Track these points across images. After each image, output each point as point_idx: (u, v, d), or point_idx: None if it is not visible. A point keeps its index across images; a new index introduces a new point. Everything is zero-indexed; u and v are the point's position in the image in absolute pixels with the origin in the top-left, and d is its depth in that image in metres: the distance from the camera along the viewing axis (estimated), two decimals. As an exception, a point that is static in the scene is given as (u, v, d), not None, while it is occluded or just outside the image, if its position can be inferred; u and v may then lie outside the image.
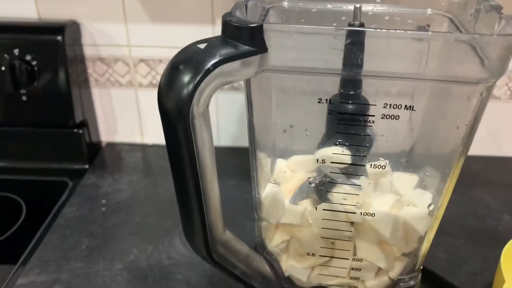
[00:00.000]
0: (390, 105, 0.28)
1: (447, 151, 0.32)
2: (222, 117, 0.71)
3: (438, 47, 0.27)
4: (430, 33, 0.26)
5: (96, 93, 0.71)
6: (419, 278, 0.38)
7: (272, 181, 0.35)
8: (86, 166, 0.70)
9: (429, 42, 0.26)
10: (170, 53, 0.67)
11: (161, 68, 0.68)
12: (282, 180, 0.36)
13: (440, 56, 0.27)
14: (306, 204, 0.35)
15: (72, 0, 0.64)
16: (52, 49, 0.63)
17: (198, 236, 0.31)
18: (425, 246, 0.36)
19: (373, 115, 0.29)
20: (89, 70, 0.69)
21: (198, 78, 0.25)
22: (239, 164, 0.67)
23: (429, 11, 0.36)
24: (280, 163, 0.37)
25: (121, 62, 0.68)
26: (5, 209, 0.62)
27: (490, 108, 0.69)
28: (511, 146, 0.71)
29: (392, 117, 0.28)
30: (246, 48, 0.26)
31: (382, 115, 0.29)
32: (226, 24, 0.26)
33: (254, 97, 0.32)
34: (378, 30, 0.26)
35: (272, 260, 0.38)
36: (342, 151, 0.31)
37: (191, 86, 0.25)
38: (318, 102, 0.30)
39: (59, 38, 0.62)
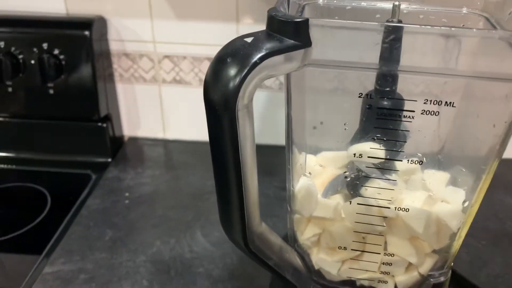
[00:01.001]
0: (431, 101, 0.29)
1: (483, 149, 0.32)
2: (244, 114, 0.71)
3: (477, 44, 0.27)
4: (474, 29, 0.26)
5: (120, 88, 0.72)
6: (449, 274, 0.38)
7: (308, 174, 0.35)
8: (109, 160, 0.71)
9: (469, 39, 0.27)
10: (194, 50, 0.69)
11: (185, 65, 0.69)
12: (313, 175, 0.37)
13: (478, 53, 0.27)
14: (337, 199, 0.35)
15: (99, -4, 0.65)
16: (79, 43, 0.64)
17: (236, 227, 0.32)
18: (457, 243, 0.36)
19: (413, 111, 0.30)
20: (114, 65, 0.70)
21: (245, 71, 0.25)
22: (260, 161, 0.67)
23: (464, 10, 0.36)
24: (309, 159, 0.38)
25: (146, 58, 0.69)
26: (31, 200, 0.64)
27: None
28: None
29: (432, 113, 0.29)
30: (291, 42, 0.27)
31: (422, 110, 0.29)
32: (271, 19, 0.27)
33: (293, 90, 0.32)
34: (422, 26, 0.26)
35: (302, 253, 0.38)
36: (380, 146, 0.32)
37: (238, 79, 0.26)
38: (359, 96, 0.30)
39: (86, 33, 0.63)
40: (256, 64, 0.26)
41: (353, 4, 0.38)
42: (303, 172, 0.36)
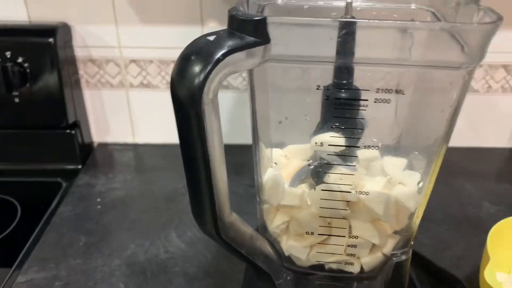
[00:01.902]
0: (382, 89, 0.31)
1: (434, 133, 0.35)
2: (212, 115, 0.73)
3: (424, 36, 0.30)
4: (417, 22, 0.29)
5: (88, 94, 0.72)
6: (410, 252, 0.40)
7: (275, 164, 0.37)
8: (79, 167, 0.71)
9: (416, 31, 0.29)
10: (161, 54, 0.69)
11: (152, 69, 0.70)
12: (279, 167, 0.39)
13: (425, 44, 0.30)
14: (303, 187, 0.37)
15: (62, 3, 0.65)
16: (44, 51, 0.64)
17: (208, 217, 0.33)
18: (415, 222, 0.39)
19: (367, 100, 0.32)
20: (80, 72, 0.70)
21: (209, 67, 0.27)
22: (231, 160, 0.68)
23: (413, 6, 0.39)
24: (276, 151, 0.40)
25: (112, 63, 0.70)
26: (0, 211, 0.63)
27: (469, 101, 0.72)
28: (489, 137, 0.74)
29: (384, 101, 0.31)
30: (251, 39, 0.28)
31: (375, 99, 0.31)
32: (232, 18, 0.29)
33: (256, 87, 0.34)
34: (371, 21, 0.28)
35: (273, 241, 0.40)
36: (339, 135, 0.34)
37: (202, 75, 0.27)
38: (317, 89, 0.32)
39: (50, 40, 0.63)
40: (219, 60, 0.27)
41: (310, 3, 0.40)
42: (269, 163, 0.38)
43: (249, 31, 0.28)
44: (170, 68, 0.70)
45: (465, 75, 0.31)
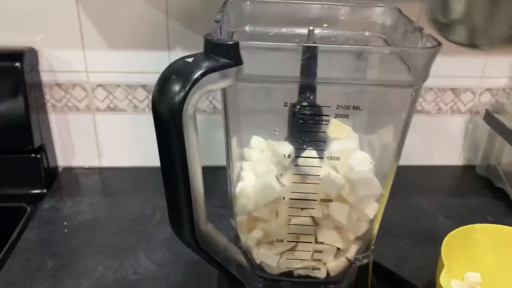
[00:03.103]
0: (342, 106, 0.35)
1: (390, 143, 0.39)
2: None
3: (377, 58, 0.34)
4: (370, 47, 0.33)
5: (54, 118, 0.73)
6: (372, 256, 0.44)
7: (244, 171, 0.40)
8: (44, 191, 0.70)
9: (369, 54, 0.33)
10: (128, 78, 0.71)
11: (119, 93, 0.71)
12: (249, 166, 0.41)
13: (378, 65, 0.34)
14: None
15: (29, 28, 0.66)
16: (10, 75, 0.64)
17: (186, 227, 0.35)
18: (375, 228, 0.42)
19: (328, 115, 0.35)
20: (47, 96, 0.71)
21: (188, 86, 0.30)
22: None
23: (366, 33, 0.44)
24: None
25: (79, 87, 0.71)
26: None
27: (422, 122, 0.77)
28: (441, 155, 0.80)
29: (343, 116, 0.35)
30: (225, 61, 0.31)
31: (335, 114, 0.35)
32: (208, 42, 0.32)
33: (229, 107, 0.37)
34: (332, 45, 0.32)
35: (246, 251, 0.42)
36: (304, 147, 0.37)
37: (182, 93, 0.30)
38: (284, 106, 0.36)
39: (17, 64, 0.64)
40: (197, 80, 0.30)
41: (275, 30, 0.44)
42: (241, 178, 0.40)
43: (223, 54, 0.31)
44: (137, 92, 0.72)
45: (412, 93, 0.35)
